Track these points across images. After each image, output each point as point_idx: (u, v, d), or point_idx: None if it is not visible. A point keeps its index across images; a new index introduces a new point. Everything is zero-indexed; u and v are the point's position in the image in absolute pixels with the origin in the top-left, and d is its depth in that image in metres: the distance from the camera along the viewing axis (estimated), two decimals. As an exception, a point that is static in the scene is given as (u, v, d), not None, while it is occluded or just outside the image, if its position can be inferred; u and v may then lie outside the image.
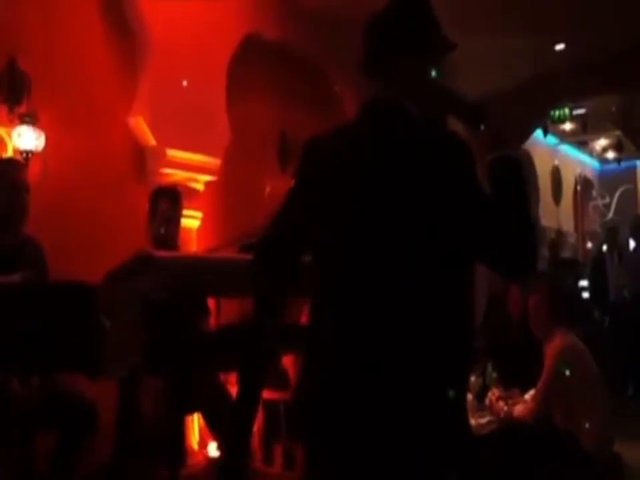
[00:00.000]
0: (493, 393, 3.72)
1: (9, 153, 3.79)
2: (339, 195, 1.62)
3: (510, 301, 4.40)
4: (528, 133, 8.38)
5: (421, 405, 1.52)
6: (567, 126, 8.89)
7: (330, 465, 1.59)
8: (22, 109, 3.83)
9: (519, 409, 3.52)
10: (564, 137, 10.24)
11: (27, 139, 3.78)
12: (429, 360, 1.53)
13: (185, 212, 3.95)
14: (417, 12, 1.70)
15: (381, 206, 1.55)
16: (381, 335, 1.52)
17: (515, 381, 3.81)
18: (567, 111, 8.05)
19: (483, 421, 3.52)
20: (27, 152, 3.79)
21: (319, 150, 1.72)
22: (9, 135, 3.79)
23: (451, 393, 1.56)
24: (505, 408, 3.58)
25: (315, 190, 1.67)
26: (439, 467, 1.56)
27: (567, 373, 3.41)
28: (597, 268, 8.11)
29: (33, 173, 3.75)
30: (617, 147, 10.32)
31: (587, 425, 3.30)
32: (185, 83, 4.49)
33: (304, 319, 3.69)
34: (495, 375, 3.85)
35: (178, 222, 3.71)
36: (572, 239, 11.52)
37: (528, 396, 3.61)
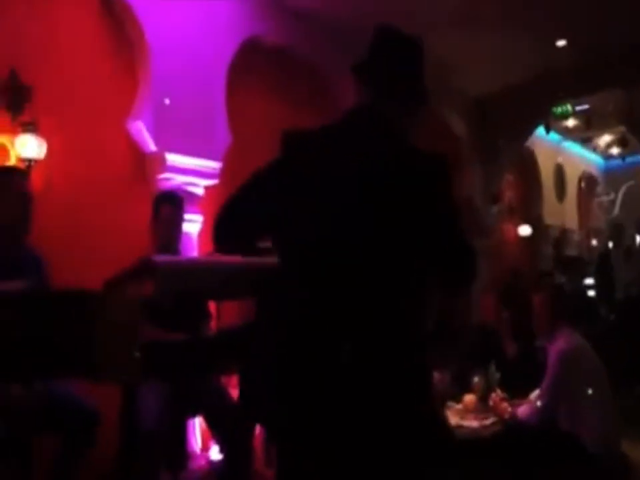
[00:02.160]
0: (497, 394, 3.71)
1: (12, 161, 3.80)
2: (317, 192, 1.68)
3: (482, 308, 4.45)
4: (530, 130, 8.36)
5: (392, 397, 1.60)
6: (570, 122, 8.86)
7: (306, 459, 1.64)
8: (24, 117, 3.84)
9: (523, 410, 3.51)
10: (567, 133, 10.19)
11: (29, 147, 3.79)
12: (395, 351, 1.62)
13: (186, 216, 3.94)
14: (419, 61, 1.85)
15: (355, 207, 1.65)
16: (351, 329, 1.60)
17: (518, 382, 3.81)
18: (569, 107, 7.99)
19: (487, 422, 3.50)
20: (30, 160, 3.80)
21: (303, 145, 1.79)
22: (12, 144, 3.81)
23: (417, 383, 1.67)
24: (509, 409, 3.57)
25: (292, 183, 1.72)
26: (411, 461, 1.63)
27: (571, 373, 3.40)
28: (602, 265, 8.08)
29: (35, 181, 3.76)
30: (621, 142, 10.27)
31: (592, 425, 3.29)
32: (184, 85, 4.49)
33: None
34: (498, 375, 3.83)
35: (180, 227, 3.71)
36: (576, 237, 11.48)
37: (532, 396, 3.60)
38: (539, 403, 3.46)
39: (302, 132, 1.81)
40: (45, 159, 3.87)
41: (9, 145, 3.82)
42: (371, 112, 1.77)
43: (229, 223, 1.84)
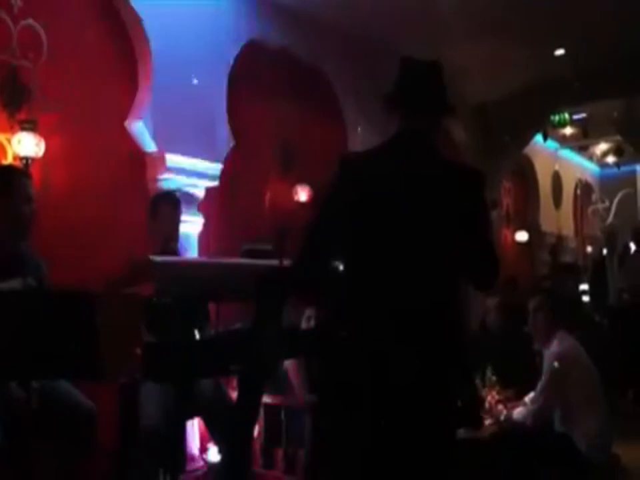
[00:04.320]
0: (492, 396, 3.73)
1: (9, 160, 3.79)
2: (381, 211, 1.95)
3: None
4: (528, 137, 8.40)
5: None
6: (567, 131, 8.92)
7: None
8: (22, 115, 3.84)
9: (518, 412, 3.53)
10: (564, 141, 10.26)
11: (27, 145, 3.77)
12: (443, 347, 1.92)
13: (186, 217, 3.94)
14: (442, 81, 2.12)
15: (414, 220, 1.93)
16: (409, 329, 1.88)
17: (513, 384, 3.84)
18: (567, 115, 8.06)
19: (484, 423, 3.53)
20: (27, 158, 3.78)
21: (356, 171, 2.04)
22: (9, 142, 3.80)
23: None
24: (505, 411, 3.59)
25: (351, 207, 1.97)
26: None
27: (566, 376, 3.43)
28: (597, 272, 8.10)
29: (33, 180, 3.75)
30: (617, 151, 10.35)
31: (585, 427, 3.32)
32: (185, 87, 4.51)
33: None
34: (494, 378, 3.86)
35: (178, 227, 3.71)
36: (572, 244, 11.53)
37: (527, 399, 3.63)
38: (533, 406, 3.49)
39: (357, 157, 2.11)
40: (42, 158, 3.86)
41: (6, 143, 3.81)
42: (412, 135, 2.05)
43: (312, 265, 2.06)
